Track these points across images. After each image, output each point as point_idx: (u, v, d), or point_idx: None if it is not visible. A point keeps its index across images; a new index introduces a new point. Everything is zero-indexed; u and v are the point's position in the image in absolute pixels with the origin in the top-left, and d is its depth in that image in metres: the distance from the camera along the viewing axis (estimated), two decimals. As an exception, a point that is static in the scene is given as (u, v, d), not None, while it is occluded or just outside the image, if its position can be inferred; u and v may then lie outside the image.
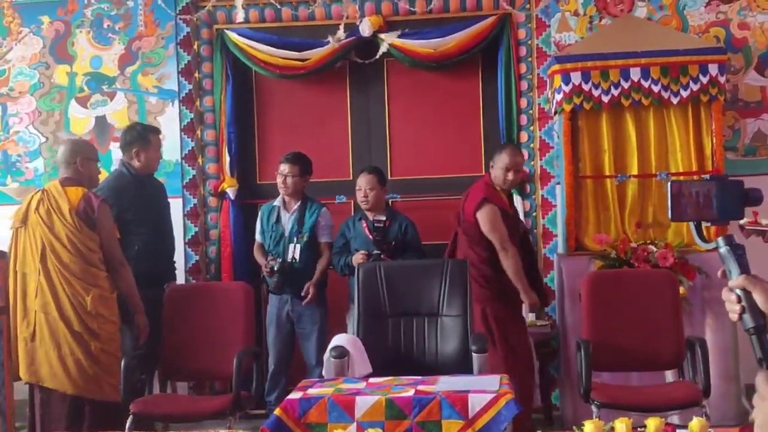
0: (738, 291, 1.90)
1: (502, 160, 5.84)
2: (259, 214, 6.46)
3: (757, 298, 1.88)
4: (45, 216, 5.16)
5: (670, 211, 2.04)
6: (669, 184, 2.05)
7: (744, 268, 1.92)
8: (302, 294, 6.13)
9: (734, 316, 1.92)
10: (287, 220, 6.27)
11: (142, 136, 5.95)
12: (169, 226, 6.16)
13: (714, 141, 6.09)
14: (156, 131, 6.18)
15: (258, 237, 6.43)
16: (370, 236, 6.08)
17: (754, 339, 1.88)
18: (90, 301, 5.11)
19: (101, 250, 5.24)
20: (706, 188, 2.01)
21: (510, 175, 5.82)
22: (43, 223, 5.15)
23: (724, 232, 2.00)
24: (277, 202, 6.35)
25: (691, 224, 2.08)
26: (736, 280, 1.90)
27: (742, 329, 1.89)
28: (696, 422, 3.50)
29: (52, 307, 5.10)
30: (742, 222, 5.57)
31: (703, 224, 2.09)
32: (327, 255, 6.25)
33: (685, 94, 6.01)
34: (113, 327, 5.22)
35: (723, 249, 1.95)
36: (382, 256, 5.91)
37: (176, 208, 6.88)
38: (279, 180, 6.27)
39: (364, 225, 6.16)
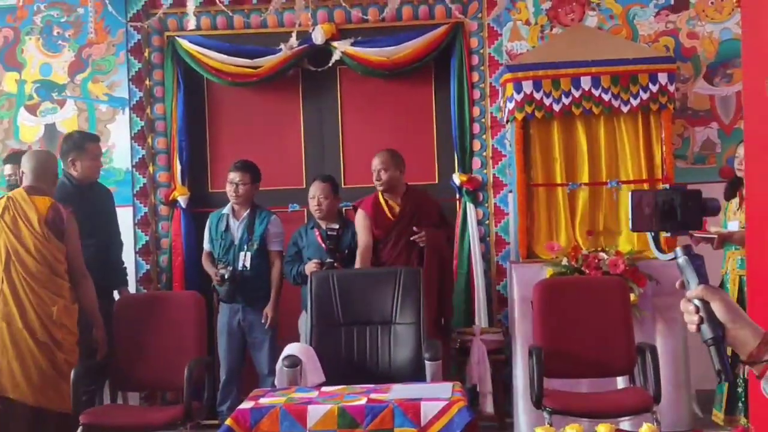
0: (696, 301, 1.88)
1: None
2: (207, 222, 6.41)
3: (716, 308, 1.85)
4: (11, 223, 5.10)
5: (631, 222, 2.00)
6: (630, 193, 2.00)
7: (703, 278, 1.90)
8: (262, 321, 6.11)
9: (692, 327, 1.89)
10: (237, 228, 6.22)
11: (77, 145, 5.82)
12: (116, 234, 6.08)
13: (664, 149, 6.15)
14: (94, 139, 6.06)
15: (207, 246, 6.37)
16: (323, 245, 6.05)
17: (713, 350, 1.85)
18: (56, 311, 5.06)
19: (66, 261, 5.20)
20: (668, 198, 1.98)
21: (374, 177, 6.09)
22: (8, 231, 5.08)
23: (679, 243, 1.98)
24: (226, 210, 6.31)
25: (649, 235, 2.05)
26: (695, 290, 1.89)
27: (700, 340, 1.87)
28: (646, 428, 3.53)
29: (16, 317, 5.03)
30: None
31: (662, 235, 2.06)
32: (278, 265, 6.22)
33: (635, 102, 6.07)
34: (74, 338, 5.18)
35: (681, 259, 1.93)
36: (335, 264, 5.89)
37: (127, 216, 6.83)
38: (230, 188, 6.22)
39: (317, 233, 6.14)
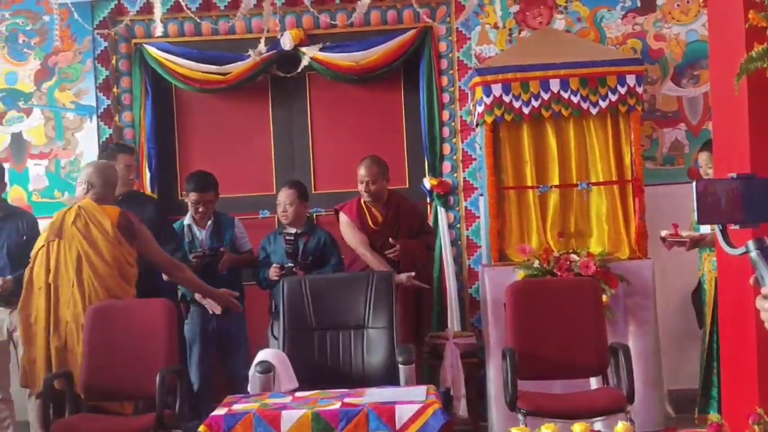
0: None
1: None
2: None
3: None
4: (83, 228, 5.22)
5: (696, 213, 1.87)
6: (694, 183, 1.88)
7: None
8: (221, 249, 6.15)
9: None
10: (205, 237, 6.20)
11: (109, 156, 5.94)
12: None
13: (633, 151, 6.17)
14: (126, 150, 6.13)
15: None
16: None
17: None
18: None
19: (149, 260, 5.44)
20: (733, 187, 1.86)
21: (361, 188, 6.13)
22: (80, 236, 5.20)
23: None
24: (187, 220, 6.26)
25: (716, 227, 1.90)
26: None
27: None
28: (621, 427, 3.53)
29: (83, 317, 5.16)
30: (663, 234, 5.69)
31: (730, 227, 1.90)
32: (252, 258, 6.30)
33: (603, 104, 6.09)
34: None
35: (753, 253, 1.81)
36: (294, 269, 5.89)
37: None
38: (195, 208, 6.19)
39: (284, 239, 6.14)
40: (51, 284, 5.22)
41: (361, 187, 6.12)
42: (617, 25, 6.81)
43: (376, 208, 6.17)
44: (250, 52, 6.80)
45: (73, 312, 5.19)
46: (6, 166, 6.41)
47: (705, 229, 5.63)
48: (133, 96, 7.08)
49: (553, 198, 6.24)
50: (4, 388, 6.05)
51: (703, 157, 5.97)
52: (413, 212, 6.36)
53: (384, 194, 6.18)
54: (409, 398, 4.15)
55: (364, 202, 6.16)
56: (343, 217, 6.18)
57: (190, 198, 6.19)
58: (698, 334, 6.01)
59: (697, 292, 6.00)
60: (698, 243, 5.67)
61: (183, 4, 5.92)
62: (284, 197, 6.16)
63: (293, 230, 6.09)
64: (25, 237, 6.03)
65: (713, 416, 5.52)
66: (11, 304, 5.96)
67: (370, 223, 6.13)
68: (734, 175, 1.90)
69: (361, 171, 6.11)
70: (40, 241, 5.34)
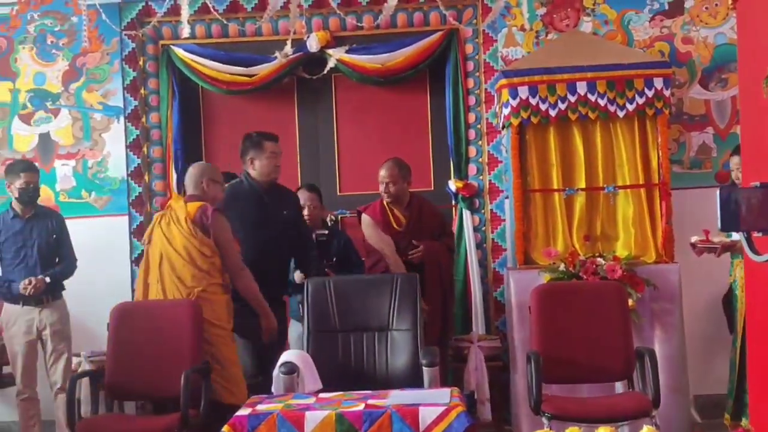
0: None
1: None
2: None
3: None
4: (165, 227, 5.44)
5: (719, 221, 1.88)
6: (718, 190, 1.88)
7: None
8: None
9: None
10: None
11: (255, 143, 5.90)
12: (280, 245, 5.86)
13: (660, 154, 6.13)
14: (272, 138, 5.97)
15: None
16: None
17: None
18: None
19: (220, 257, 5.42)
20: (756, 195, 1.86)
21: (381, 188, 6.18)
22: (162, 234, 5.42)
23: None
24: None
25: (741, 235, 1.91)
26: None
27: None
28: (646, 430, 3.50)
29: None
30: (693, 240, 5.64)
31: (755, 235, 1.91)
32: None
33: (630, 107, 6.05)
34: (221, 331, 5.36)
35: None
36: (325, 270, 5.91)
37: (122, 225, 6.84)
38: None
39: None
40: (148, 284, 5.47)
41: (381, 188, 6.15)
42: (645, 28, 6.77)
43: (399, 210, 6.19)
44: (277, 53, 6.84)
45: None
46: (34, 165, 6.47)
47: (737, 235, 5.57)
48: (160, 97, 7.13)
49: (580, 201, 6.20)
50: (31, 387, 6.10)
51: (734, 161, 5.91)
52: (434, 214, 6.37)
53: (404, 196, 6.20)
54: (433, 400, 4.14)
55: (387, 204, 6.18)
56: (366, 218, 6.19)
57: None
58: (725, 339, 5.96)
59: (728, 297, 5.95)
60: (729, 249, 5.61)
61: (210, 5, 5.94)
62: (308, 200, 6.19)
63: (324, 231, 6.12)
64: (54, 236, 6.10)
65: (745, 422, 5.47)
66: (41, 303, 6.02)
67: (394, 224, 6.15)
68: (757, 183, 1.89)
69: (382, 172, 6.14)
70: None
